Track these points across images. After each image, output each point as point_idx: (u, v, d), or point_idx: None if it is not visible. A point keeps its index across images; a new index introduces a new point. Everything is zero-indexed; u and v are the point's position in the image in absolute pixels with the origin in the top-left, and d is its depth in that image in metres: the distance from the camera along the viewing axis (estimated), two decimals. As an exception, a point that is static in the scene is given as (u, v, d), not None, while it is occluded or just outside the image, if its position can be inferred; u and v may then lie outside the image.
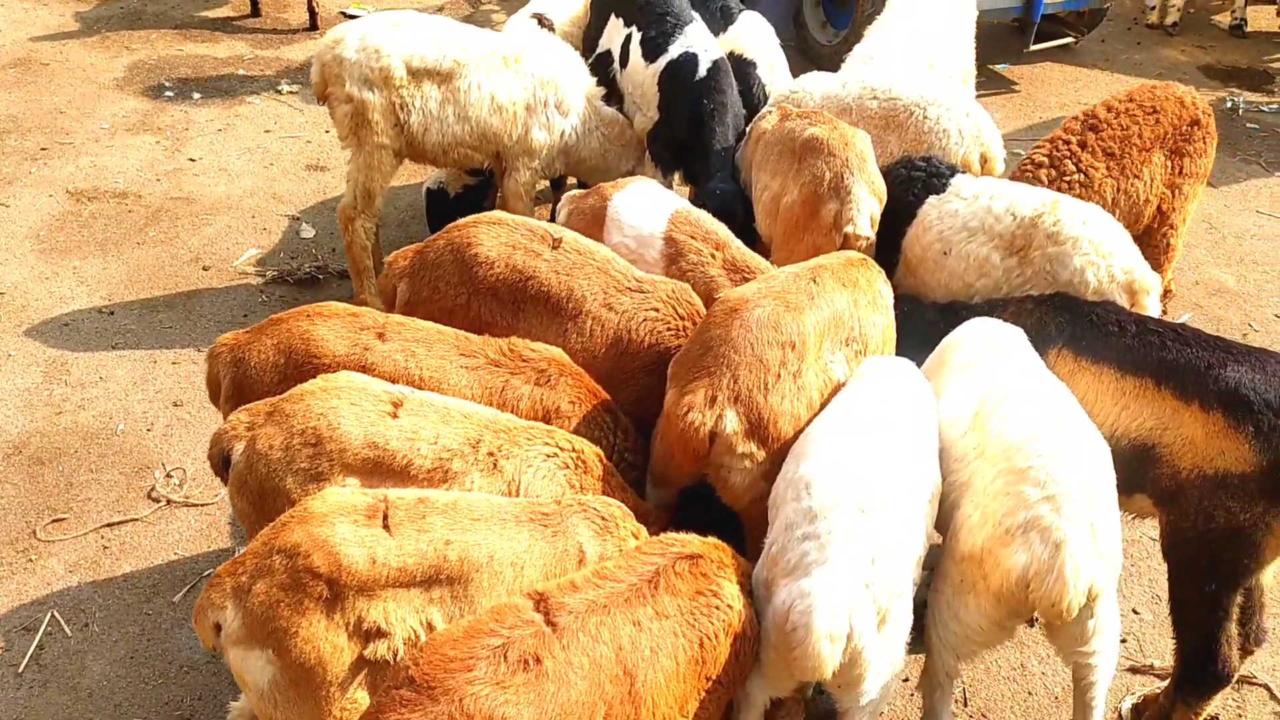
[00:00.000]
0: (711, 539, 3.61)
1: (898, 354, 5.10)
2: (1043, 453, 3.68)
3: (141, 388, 6.35)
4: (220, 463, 3.87)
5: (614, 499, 3.93)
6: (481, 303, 4.70)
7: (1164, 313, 6.60)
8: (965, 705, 4.88)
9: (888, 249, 5.58)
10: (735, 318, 4.13)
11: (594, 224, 5.26)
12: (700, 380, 4.05)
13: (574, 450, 4.02)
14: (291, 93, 9.75)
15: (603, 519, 3.71)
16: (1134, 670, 5.03)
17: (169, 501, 5.61)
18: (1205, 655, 4.17)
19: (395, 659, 3.37)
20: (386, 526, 3.39)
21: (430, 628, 3.40)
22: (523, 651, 2.95)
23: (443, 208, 7.34)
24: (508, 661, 2.92)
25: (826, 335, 4.28)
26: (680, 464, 4.17)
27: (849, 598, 3.34)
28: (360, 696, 3.39)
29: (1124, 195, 5.89)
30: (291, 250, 7.66)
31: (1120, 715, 4.84)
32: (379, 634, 3.34)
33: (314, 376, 4.00)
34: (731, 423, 4.00)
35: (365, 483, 3.74)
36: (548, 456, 3.94)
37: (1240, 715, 4.89)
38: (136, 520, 5.49)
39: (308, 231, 7.85)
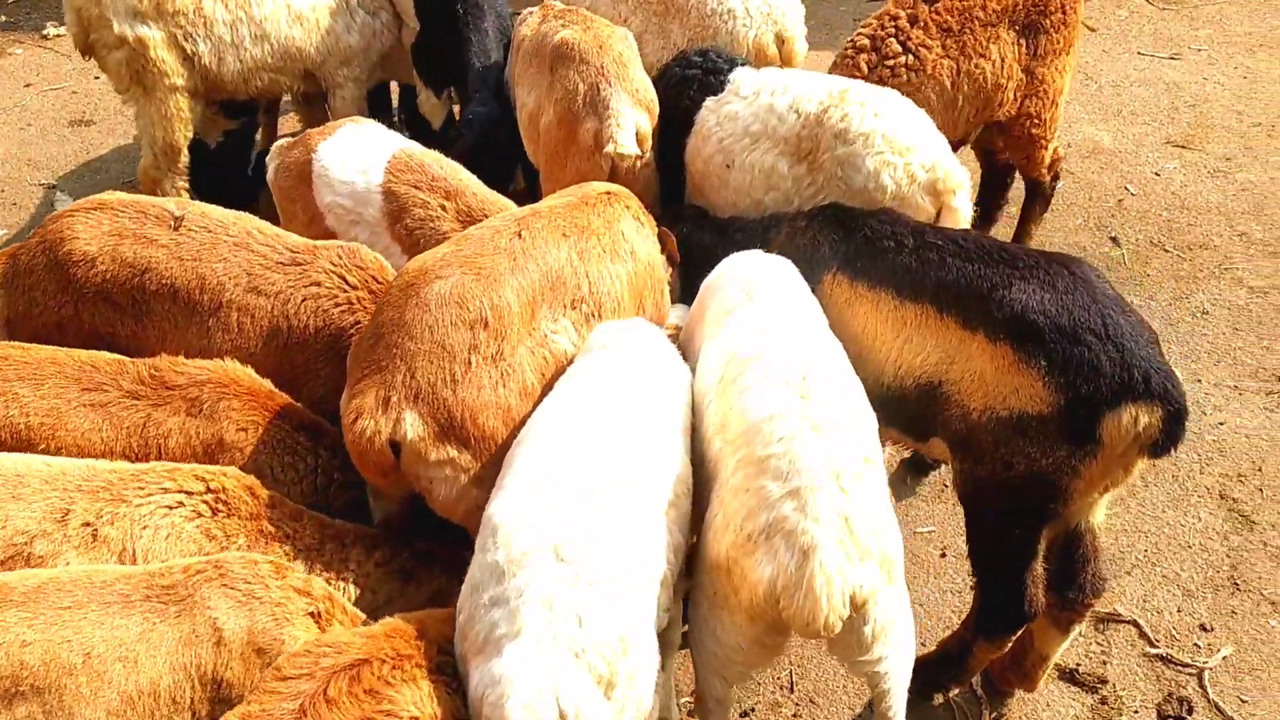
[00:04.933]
0: (392, 620, 2.92)
1: (682, 290, 4.39)
2: (783, 435, 3.00)
3: None
4: None
5: (278, 545, 3.28)
6: (93, 311, 3.91)
7: (1048, 195, 5.88)
8: (792, 691, 4.26)
9: (674, 166, 4.78)
10: (411, 295, 3.35)
11: (301, 181, 4.43)
12: (370, 378, 3.30)
13: (209, 490, 3.26)
14: (59, 36, 8.68)
15: (246, 582, 2.96)
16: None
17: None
18: (1009, 596, 3.66)
19: None
20: None
21: None
22: None
23: (203, 161, 6.34)
24: None
25: (541, 301, 3.51)
26: (371, 478, 3.42)
27: (550, 677, 2.65)
28: None
29: (967, 79, 5.06)
30: (47, 226, 6.73)
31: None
32: None
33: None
34: (414, 427, 3.26)
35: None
36: (170, 508, 3.18)
37: (1105, 662, 4.29)
38: None
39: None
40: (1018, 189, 6.04)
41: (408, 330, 3.29)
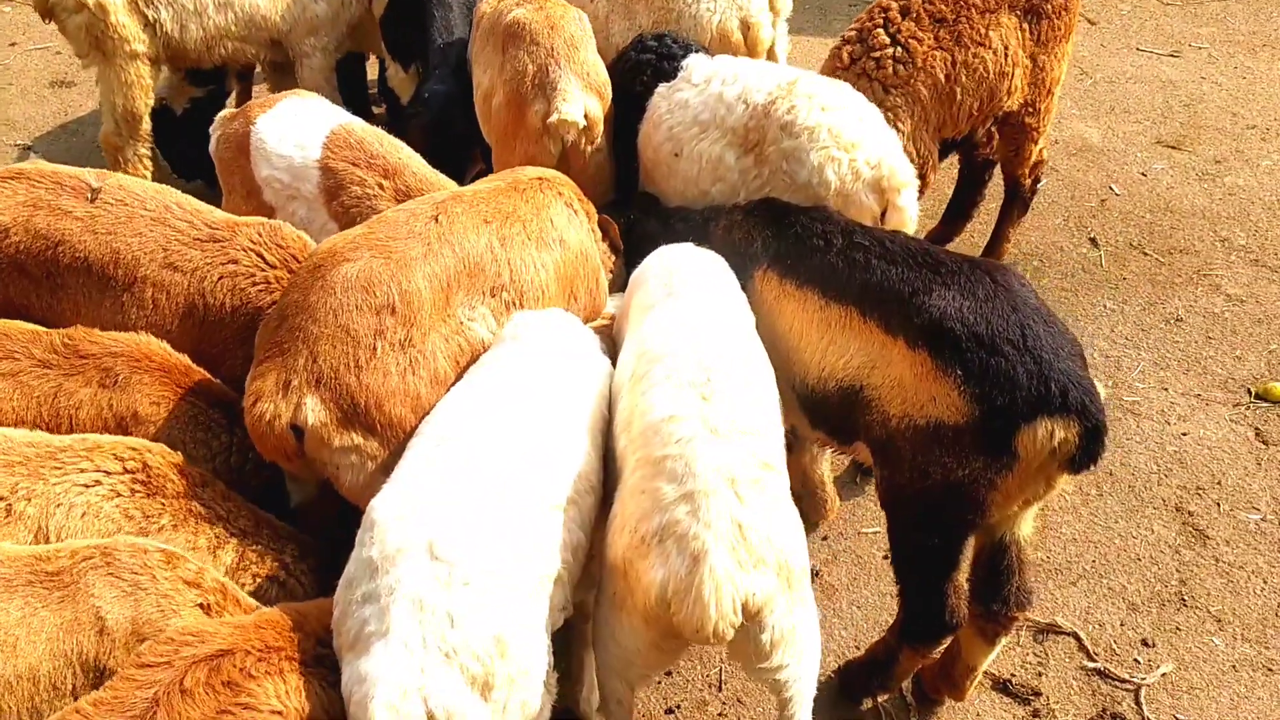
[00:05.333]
0: (269, 610, 2.85)
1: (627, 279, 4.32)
2: (681, 437, 2.93)
3: None
4: None
5: (209, 526, 3.26)
6: (10, 282, 3.85)
7: (1028, 198, 5.74)
8: (720, 689, 4.19)
9: (629, 152, 4.69)
10: (317, 278, 3.29)
11: (240, 154, 4.36)
12: (272, 361, 3.25)
13: (127, 470, 3.20)
14: (48, -5, 8.60)
15: (133, 571, 2.90)
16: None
17: None
18: (929, 606, 3.58)
19: None
20: None
21: None
22: None
23: (170, 129, 6.29)
24: None
25: (457, 288, 3.43)
26: (274, 462, 3.38)
27: (418, 678, 2.58)
28: None
29: (965, 70, 4.85)
30: (20, 187, 6.69)
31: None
32: None
33: None
34: (315, 412, 3.21)
35: None
36: (88, 486, 3.12)
37: (1040, 674, 4.19)
38: None
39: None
40: (997, 187, 5.90)
41: (311, 313, 3.23)
